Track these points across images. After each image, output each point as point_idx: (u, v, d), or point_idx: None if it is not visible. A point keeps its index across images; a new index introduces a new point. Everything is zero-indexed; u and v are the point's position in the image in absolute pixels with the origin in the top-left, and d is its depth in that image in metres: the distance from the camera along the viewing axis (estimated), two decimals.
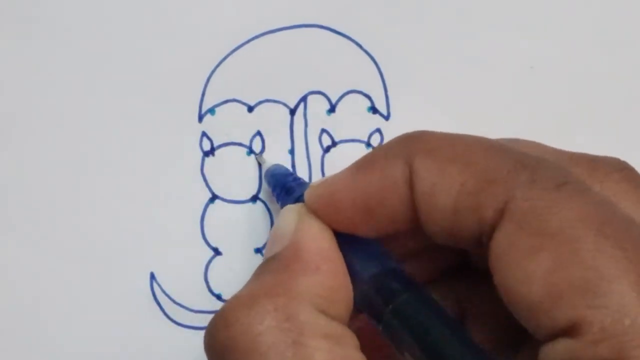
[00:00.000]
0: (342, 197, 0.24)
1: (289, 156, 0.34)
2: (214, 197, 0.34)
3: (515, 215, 0.21)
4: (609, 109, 0.35)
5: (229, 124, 0.34)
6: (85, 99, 0.34)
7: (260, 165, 0.34)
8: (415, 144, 0.24)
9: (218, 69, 0.34)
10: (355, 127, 0.34)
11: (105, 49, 0.34)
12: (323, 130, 0.34)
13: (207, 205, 0.34)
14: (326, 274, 0.23)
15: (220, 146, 0.34)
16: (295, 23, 0.34)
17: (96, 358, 0.33)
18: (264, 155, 0.34)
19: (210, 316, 0.33)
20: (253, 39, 0.34)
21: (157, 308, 0.34)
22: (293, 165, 0.34)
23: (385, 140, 0.34)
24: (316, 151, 0.34)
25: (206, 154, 0.34)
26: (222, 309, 0.23)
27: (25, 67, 0.34)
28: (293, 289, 0.23)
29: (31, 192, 0.34)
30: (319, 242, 0.24)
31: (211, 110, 0.34)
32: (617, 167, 0.24)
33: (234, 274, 0.34)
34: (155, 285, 0.34)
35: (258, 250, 0.34)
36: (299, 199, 0.27)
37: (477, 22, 0.35)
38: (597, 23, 0.35)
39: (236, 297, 0.23)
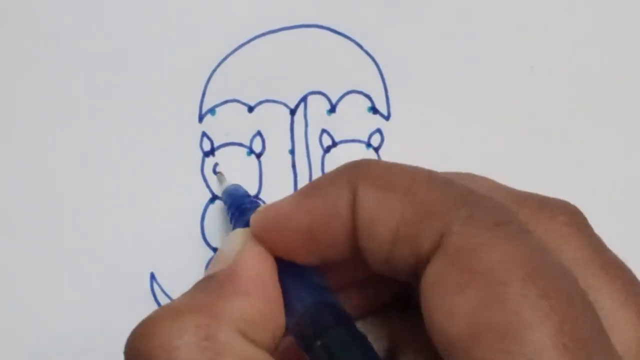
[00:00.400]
0: (286, 222, 0.24)
1: (290, 156, 0.34)
2: (214, 198, 0.34)
3: (448, 249, 0.21)
4: (609, 109, 0.35)
5: (229, 124, 0.34)
6: (85, 99, 0.34)
7: (219, 181, 0.34)
8: (360, 171, 0.24)
9: (218, 69, 0.34)
10: (355, 127, 0.34)
11: (106, 49, 0.34)
12: (323, 131, 0.34)
13: (207, 206, 0.34)
14: (256, 299, 0.23)
15: (220, 146, 0.34)
16: (296, 23, 0.34)
17: (96, 358, 0.33)
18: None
19: None
20: (253, 39, 0.34)
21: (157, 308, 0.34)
22: (293, 165, 0.34)
23: (385, 141, 0.34)
24: (316, 151, 0.34)
25: (206, 154, 0.34)
26: (146, 318, 0.23)
27: (25, 67, 0.34)
28: (219, 310, 0.23)
29: (31, 192, 0.34)
30: (256, 267, 0.24)
31: (211, 111, 0.34)
32: (563, 210, 0.24)
33: None
34: (155, 285, 0.34)
35: None
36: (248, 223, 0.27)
37: (477, 22, 0.35)
38: (597, 23, 0.35)
39: (161, 309, 0.23)
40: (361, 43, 0.34)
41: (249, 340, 0.22)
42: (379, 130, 0.34)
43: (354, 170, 0.24)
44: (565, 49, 0.35)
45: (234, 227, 0.30)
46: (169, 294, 0.34)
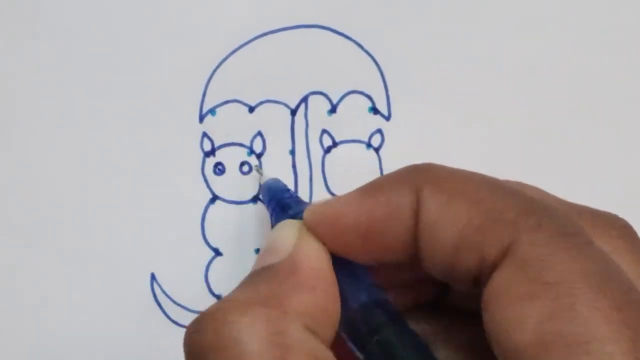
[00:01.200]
0: (345, 220, 0.24)
1: (290, 156, 0.34)
2: (214, 198, 0.34)
3: (518, 258, 0.21)
4: (608, 109, 0.35)
5: (230, 125, 0.34)
6: (85, 100, 0.34)
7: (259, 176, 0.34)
8: (425, 175, 0.24)
9: (219, 70, 0.34)
10: (356, 127, 0.34)
11: (106, 50, 0.34)
12: (324, 131, 0.34)
13: (207, 206, 0.34)
14: (320, 294, 0.23)
15: (221, 146, 0.34)
16: (296, 23, 0.34)
17: (96, 358, 0.33)
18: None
19: None
20: (254, 39, 0.34)
21: (158, 309, 0.34)
22: (294, 166, 0.34)
23: (386, 141, 0.34)
24: (317, 151, 0.34)
25: (207, 154, 0.34)
26: (214, 309, 0.23)
27: (25, 67, 0.34)
28: (287, 304, 0.23)
29: (32, 192, 0.34)
30: (317, 261, 0.24)
31: (212, 111, 0.34)
32: (616, 224, 0.24)
33: (234, 274, 0.34)
34: (155, 285, 0.34)
35: (259, 251, 0.34)
36: (294, 217, 0.27)
37: (478, 22, 0.35)
38: (597, 23, 0.35)
39: (230, 300, 0.23)
40: (362, 43, 0.34)
41: (316, 336, 0.22)
42: (379, 131, 0.34)
43: (418, 173, 0.24)
44: (565, 49, 0.35)
45: (275, 222, 0.29)
46: (170, 294, 0.34)
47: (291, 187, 0.34)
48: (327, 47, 0.34)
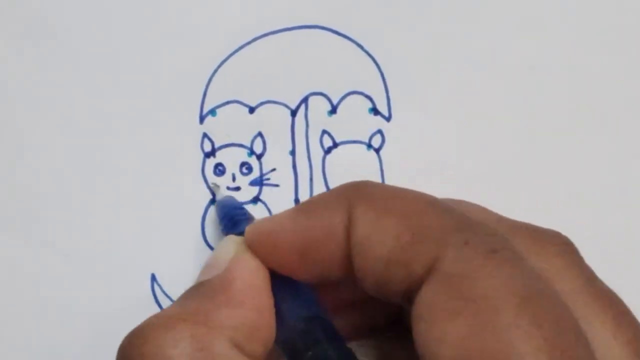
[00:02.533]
0: (281, 237, 0.24)
1: (290, 157, 0.34)
2: (215, 199, 0.34)
3: (442, 274, 0.21)
4: (609, 110, 0.35)
5: (230, 125, 0.34)
6: (86, 100, 0.34)
7: (212, 192, 0.34)
8: (357, 193, 0.24)
9: (219, 70, 0.34)
10: (356, 128, 0.34)
11: (106, 50, 0.34)
12: (324, 132, 0.34)
13: (208, 207, 0.34)
14: (250, 310, 0.23)
15: (221, 147, 0.34)
16: (296, 24, 0.34)
17: (97, 359, 0.33)
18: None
19: None
20: (254, 40, 0.34)
21: (158, 309, 0.34)
22: (294, 166, 0.34)
23: (386, 142, 0.34)
24: (317, 152, 0.34)
25: (207, 155, 0.34)
26: (140, 326, 0.23)
27: (25, 68, 0.34)
28: (213, 319, 0.23)
29: (32, 192, 0.34)
30: (250, 277, 0.24)
31: (212, 112, 0.34)
32: (555, 241, 0.24)
33: None
34: (156, 286, 0.34)
35: None
36: (242, 233, 0.27)
37: (478, 22, 0.35)
38: (597, 23, 0.35)
39: (156, 316, 0.23)
40: (362, 44, 0.34)
41: (243, 352, 0.22)
42: (379, 131, 0.34)
43: (352, 191, 0.24)
44: (565, 49, 0.35)
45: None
46: (170, 295, 0.34)
47: (291, 187, 0.34)
48: (327, 47, 0.34)
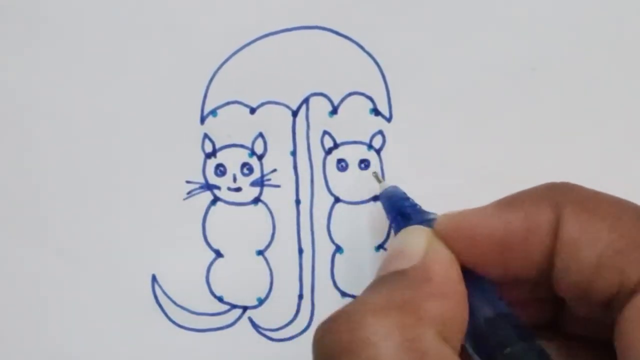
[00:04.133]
0: (480, 231, 0.24)
1: (291, 157, 0.34)
2: (215, 199, 0.34)
3: None
4: (610, 111, 0.35)
5: (231, 126, 0.34)
6: (87, 101, 0.34)
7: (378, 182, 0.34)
8: (566, 193, 0.24)
9: (220, 71, 0.34)
10: (357, 128, 0.34)
11: (107, 51, 0.34)
12: (325, 132, 0.34)
13: (209, 207, 0.34)
14: (452, 302, 0.23)
15: (222, 148, 0.34)
16: (297, 25, 0.34)
17: (97, 359, 0.34)
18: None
19: (212, 318, 0.34)
20: (255, 40, 0.34)
21: (159, 310, 0.34)
22: (295, 167, 0.34)
23: (387, 142, 0.34)
24: (318, 153, 0.34)
25: (208, 155, 0.34)
26: (347, 310, 0.22)
27: (26, 68, 0.34)
28: (421, 310, 0.22)
29: (33, 193, 0.34)
30: (449, 269, 0.24)
31: (213, 112, 0.34)
32: None
33: (235, 276, 0.34)
34: (156, 287, 0.34)
35: (260, 253, 0.34)
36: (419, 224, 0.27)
37: (479, 24, 0.35)
38: (598, 25, 0.35)
39: (364, 303, 0.23)
40: (363, 44, 0.34)
41: (448, 344, 0.22)
42: (380, 132, 0.34)
43: (559, 191, 0.24)
44: (566, 51, 0.35)
45: (397, 230, 0.29)
46: (171, 296, 0.34)
47: (292, 188, 0.34)
48: (328, 48, 0.34)
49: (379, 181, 0.33)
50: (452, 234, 0.25)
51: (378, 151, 0.34)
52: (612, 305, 0.22)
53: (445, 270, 0.24)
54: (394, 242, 0.26)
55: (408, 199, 0.31)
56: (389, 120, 0.34)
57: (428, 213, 0.29)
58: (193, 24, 0.34)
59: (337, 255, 0.34)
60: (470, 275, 0.25)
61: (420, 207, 0.30)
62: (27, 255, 0.34)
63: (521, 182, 0.34)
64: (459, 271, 0.24)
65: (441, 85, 0.35)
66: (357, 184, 0.34)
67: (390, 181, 0.33)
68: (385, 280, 0.24)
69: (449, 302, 0.23)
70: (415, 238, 0.25)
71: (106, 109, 0.34)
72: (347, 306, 0.23)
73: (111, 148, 0.34)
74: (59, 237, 0.34)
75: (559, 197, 0.24)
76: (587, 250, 0.23)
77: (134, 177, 0.34)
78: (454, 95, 0.35)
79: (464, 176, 0.34)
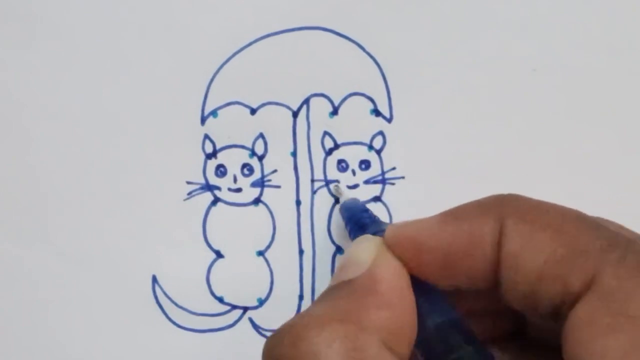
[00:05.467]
0: (426, 242, 0.25)
1: (291, 158, 0.34)
2: (216, 200, 0.34)
3: (601, 290, 0.21)
4: (610, 112, 0.35)
5: (232, 127, 0.34)
6: (87, 101, 0.34)
7: (335, 196, 0.34)
8: (509, 205, 0.24)
9: (220, 72, 0.34)
10: (357, 129, 0.34)
11: (107, 52, 0.34)
12: (325, 133, 0.34)
13: (209, 208, 0.34)
14: (398, 312, 0.23)
15: (222, 148, 0.34)
16: (298, 25, 0.34)
17: (97, 359, 0.34)
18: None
19: (212, 319, 0.34)
20: (255, 41, 0.34)
21: (159, 311, 0.34)
22: (296, 168, 0.34)
23: (388, 143, 0.34)
24: (319, 153, 0.34)
25: (208, 156, 0.34)
26: (292, 323, 0.23)
27: (27, 68, 0.34)
28: (365, 320, 0.23)
29: (33, 193, 0.34)
30: (396, 278, 0.24)
31: (213, 113, 0.34)
32: None
33: (236, 276, 0.34)
34: (157, 287, 0.34)
35: (260, 253, 0.34)
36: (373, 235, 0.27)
37: (480, 24, 0.35)
38: (599, 26, 0.35)
39: (308, 315, 0.23)
40: (363, 45, 0.34)
41: (393, 353, 0.23)
42: (381, 133, 0.34)
43: (502, 203, 0.24)
44: (567, 52, 0.35)
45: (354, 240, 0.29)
46: (171, 296, 0.34)
47: (293, 189, 0.34)
48: (328, 48, 0.34)
49: (339, 195, 0.34)
50: (400, 243, 0.25)
51: (379, 152, 0.34)
52: (559, 314, 0.23)
53: (392, 279, 0.24)
54: (346, 252, 0.26)
55: (367, 211, 0.32)
56: (389, 120, 0.34)
57: (384, 224, 0.29)
58: (193, 24, 0.34)
59: (338, 256, 0.34)
60: (421, 284, 0.25)
61: (378, 218, 0.31)
62: (27, 255, 0.34)
63: (521, 183, 0.35)
64: (408, 280, 0.25)
65: (442, 86, 0.35)
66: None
67: (391, 183, 0.33)
68: (333, 291, 0.24)
69: (394, 310, 0.23)
70: (365, 248, 0.25)
71: (106, 110, 0.34)
72: (292, 319, 0.23)
73: (111, 148, 0.34)
74: (59, 237, 0.34)
75: (503, 209, 0.24)
76: (529, 262, 0.23)
77: (135, 178, 0.34)
78: (455, 96, 0.35)
79: (464, 176, 0.34)
